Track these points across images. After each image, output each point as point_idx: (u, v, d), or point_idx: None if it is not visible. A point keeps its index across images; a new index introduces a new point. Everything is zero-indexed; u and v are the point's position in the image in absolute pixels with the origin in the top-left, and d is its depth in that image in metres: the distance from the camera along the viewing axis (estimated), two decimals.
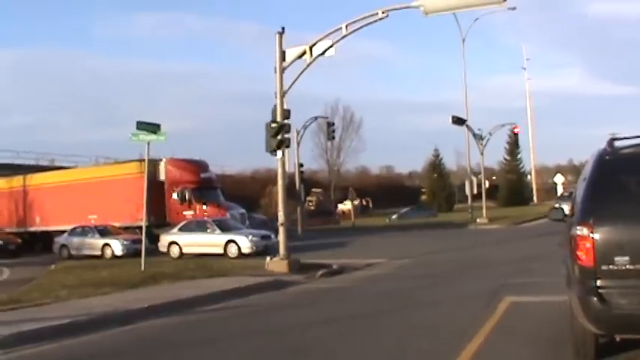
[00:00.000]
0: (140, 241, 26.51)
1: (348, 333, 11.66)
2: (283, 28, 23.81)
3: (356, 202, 77.17)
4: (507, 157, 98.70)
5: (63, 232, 37.78)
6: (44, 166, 57.90)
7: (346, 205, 77.43)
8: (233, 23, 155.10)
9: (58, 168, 55.79)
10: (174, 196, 38.49)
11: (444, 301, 14.85)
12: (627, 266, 7.29)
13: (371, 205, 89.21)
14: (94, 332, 12.65)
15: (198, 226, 33.52)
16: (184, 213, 37.72)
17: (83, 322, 13.34)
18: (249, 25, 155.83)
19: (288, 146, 25.03)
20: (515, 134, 77.74)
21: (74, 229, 37.05)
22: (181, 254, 32.12)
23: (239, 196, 46.34)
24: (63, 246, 36.66)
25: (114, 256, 33.65)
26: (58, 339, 11.96)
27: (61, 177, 45.10)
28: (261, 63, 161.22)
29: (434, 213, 72.71)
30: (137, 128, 23.55)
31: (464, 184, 61.17)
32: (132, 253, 32.14)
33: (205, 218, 35.29)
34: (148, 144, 23.83)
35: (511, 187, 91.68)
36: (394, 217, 69.94)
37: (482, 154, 57.35)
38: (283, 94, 23.73)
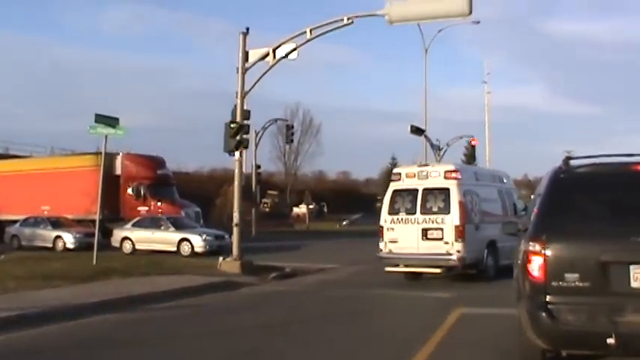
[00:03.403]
0: (93, 234, 26.21)
1: (299, 338, 11.70)
2: (248, 29, 23.77)
3: (312, 206, 77.29)
4: None
5: (15, 222, 37.21)
6: None
7: (301, 209, 77.47)
8: (200, 20, 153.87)
9: (13, 157, 54.87)
10: (130, 191, 38.24)
11: (395, 309, 14.95)
12: (576, 283, 7.44)
13: (326, 209, 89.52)
14: (43, 325, 12.51)
15: (152, 222, 33.31)
16: (139, 209, 37.49)
17: (32, 315, 13.19)
18: (215, 23, 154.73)
19: (246, 147, 24.96)
20: (473, 147, 78.29)
21: (26, 219, 36.52)
22: (134, 250, 31.88)
23: (195, 195, 46.08)
24: (14, 236, 36.12)
25: (65, 249, 33.33)
26: (5, 331, 11.81)
27: (15, 166, 44.35)
28: (224, 62, 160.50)
29: None
30: (95, 121, 23.28)
31: None
32: (84, 247, 31.69)
33: (159, 215, 35.06)
34: (106, 137, 23.58)
35: None
36: (345, 222, 70.15)
37: None
38: (244, 95, 23.68)
